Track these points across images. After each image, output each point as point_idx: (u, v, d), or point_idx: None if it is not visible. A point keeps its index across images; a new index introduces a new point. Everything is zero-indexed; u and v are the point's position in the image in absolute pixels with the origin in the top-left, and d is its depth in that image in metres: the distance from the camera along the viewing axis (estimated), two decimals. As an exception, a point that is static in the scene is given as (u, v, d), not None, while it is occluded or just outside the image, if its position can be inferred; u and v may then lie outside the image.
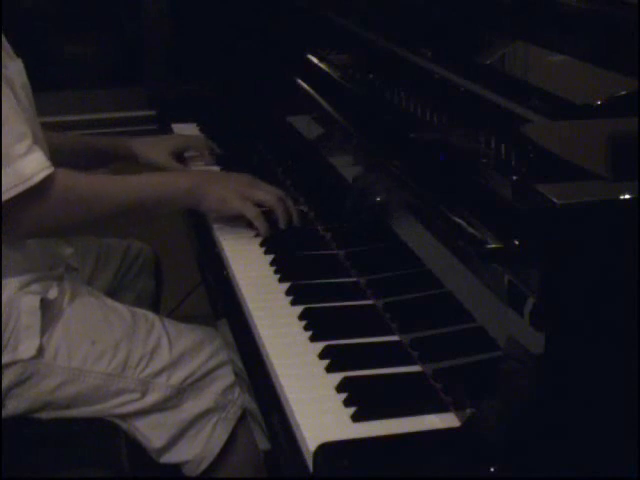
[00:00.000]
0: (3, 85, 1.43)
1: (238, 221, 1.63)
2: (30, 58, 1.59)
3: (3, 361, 1.49)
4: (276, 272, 1.45)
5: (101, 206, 1.53)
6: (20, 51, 1.61)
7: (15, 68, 1.54)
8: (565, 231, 0.85)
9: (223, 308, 1.46)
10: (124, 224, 1.87)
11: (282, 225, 1.59)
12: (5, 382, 1.50)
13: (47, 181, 1.43)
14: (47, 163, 1.43)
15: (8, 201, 1.40)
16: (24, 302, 1.51)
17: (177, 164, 1.90)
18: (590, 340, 0.88)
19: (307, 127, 1.77)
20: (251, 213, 1.58)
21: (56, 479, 1.49)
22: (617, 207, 0.86)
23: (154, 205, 1.58)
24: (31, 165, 1.41)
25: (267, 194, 1.60)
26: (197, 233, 1.72)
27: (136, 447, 1.57)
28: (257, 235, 1.59)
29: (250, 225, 1.60)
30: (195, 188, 1.58)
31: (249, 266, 1.49)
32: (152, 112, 2.45)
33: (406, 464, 0.96)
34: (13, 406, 1.53)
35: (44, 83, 1.66)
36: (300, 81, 1.72)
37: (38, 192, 1.43)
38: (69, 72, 2.89)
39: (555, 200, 0.84)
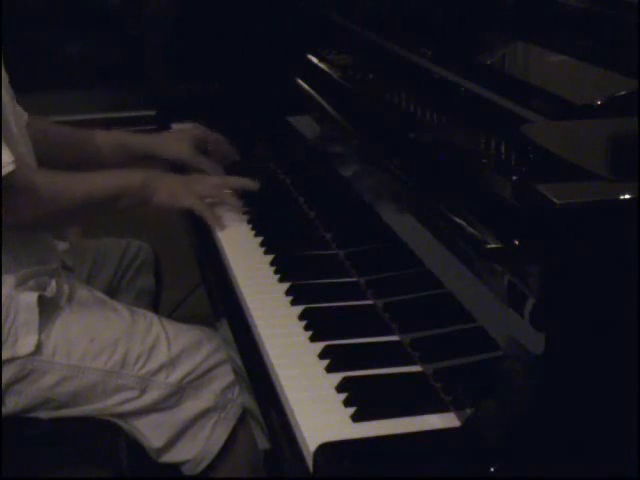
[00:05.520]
0: None
1: (238, 220, 1.63)
2: (30, 58, 1.59)
3: (2, 357, 1.50)
4: (276, 272, 1.45)
5: (63, 200, 1.58)
6: (20, 51, 1.61)
7: None
8: (565, 231, 0.85)
9: (223, 308, 1.46)
10: (112, 223, 1.92)
11: (252, 186, 1.69)
12: (4, 379, 1.51)
13: (11, 177, 1.45)
14: (11, 159, 1.46)
15: None
16: (22, 299, 1.52)
17: (203, 158, 1.90)
18: (590, 340, 0.88)
19: (307, 127, 1.77)
20: (198, 207, 1.66)
21: (56, 479, 1.49)
22: (617, 207, 0.86)
23: (110, 199, 1.63)
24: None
25: (210, 188, 1.70)
26: (197, 233, 1.72)
27: (136, 447, 1.57)
28: (257, 235, 1.60)
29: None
30: (147, 183, 1.65)
31: (249, 266, 1.49)
32: (152, 112, 2.45)
33: (406, 464, 0.96)
34: (12, 403, 1.53)
35: (44, 83, 1.66)
36: (300, 81, 1.73)
37: (9, 186, 1.45)
38: (69, 72, 2.89)
39: (555, 200, 0.84)
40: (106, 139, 1.91)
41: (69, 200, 1.58)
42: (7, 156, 1.45)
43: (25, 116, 1.76)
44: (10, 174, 1.45)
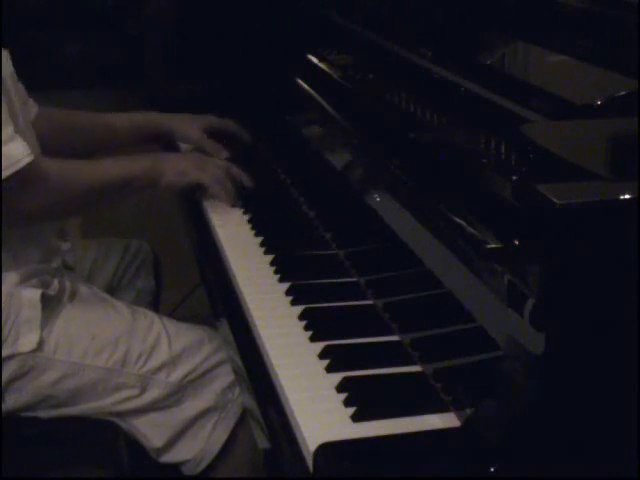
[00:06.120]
0: None
1: (238, 220, 1.63)
2: (30, 58, 1.60)
3: (4, 354, 1.50)
4: (276, 272, 1.45)
5: (79, 188, 1.59)
6: (20, 51, 1.61)
7: (2, 58, 1.57)
8: (565, 231, 0.85)
9: (223, 308, 1.46)
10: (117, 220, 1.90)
11: (247, 183, 1.72)
12: (5, 375, 1.51)
13: (30, 167, 1.46)
14: (29, 150, 1.47)
15: None
16: (25, 295, 1.53)
17: (210, 141, 1.91)
18: (590, 340, 0.88)
19: (307, 127, 1.77)
20: (208, 180, 1.69)
21: (56, 479, 1.49)
22: (617, 207, 0.86)
23: (120, 184, 1.65)
24: (16, 151, 1.45)
25: (217, 167, 1.72)
26: (197, 233, 1.72)
27: (136, 447, 1.57)
28: (257, 235, 1.60)
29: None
30: (155, 165, 1.68)
31: (249, 266, 1.49)
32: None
33: (406, 464, 0.96)
34: (13, 400, 1.53)
35: (44, 83, 1.66)
36: (300, 81, 1.73)
37: (23, 177, 1.46)
38: (69, 72, 2.89)
39: (555, 200, 0.84)
40: (122, 120, 1.94)
41: (81, 187, 1.59)
42: (24, 148, 1.46)
43: (35, 108, 1.77)
44: (30, 163, 1.46)
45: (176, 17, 2.65)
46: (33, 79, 1.62)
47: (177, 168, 1.69)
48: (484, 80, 1.24)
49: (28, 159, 1.45)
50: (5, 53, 1.59)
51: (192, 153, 1.83)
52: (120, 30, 2.94)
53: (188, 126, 1.94)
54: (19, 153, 1.45)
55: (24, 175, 1.45)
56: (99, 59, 2.94)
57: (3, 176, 1.43)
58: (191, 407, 1.54)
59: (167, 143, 2.00)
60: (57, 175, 1.55)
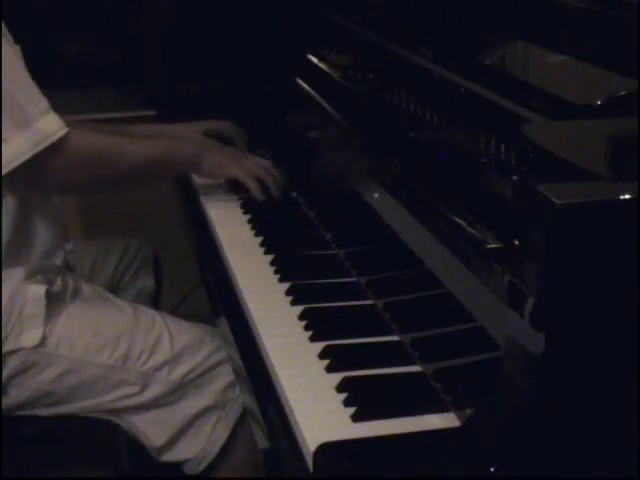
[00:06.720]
0: (13, 50, 1.53)
1: (238, 221, 1.63)
2: (30, 58, 1.60)
3: (7, 349, 1.51)
4: (276, 272, 1.45)
5: (116, 164, 1.62)
6: (20, 51, 1.62)
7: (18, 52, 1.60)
8: (565, 231, 0.85)
9: (223, 308, 1.46)
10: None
11: (275, 193, 1.71)
12: (8, 370, 1.52)
13: (65, 139, 1.51)
14: (63, 123, 1.51)
15: (34, 157, 1.47)
16: (30, 291, 1.54)
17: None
18: (590, 340, 0.88)
19: (307, 127, 1.77)
20: (244, 176, 1.71)
21: (56, 479, 1.49)
22: (617, 207, 0.86)
23: (161, 165, 1.69)
24: (51, 123, 1.50)
25: (255, 164, 1.73)
26: (197, 232, 1.72)
27: (136, 446, 1.57)
28: (257, 235, 1.60)
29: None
30: (197, 151, 1.71)
31: (249, 266, 1.49)
32: (152, 112, 2.45)
33: (406, 464, 0.96)
34: (14, 395, 1.54)
35: (44, 83, 1.66)
36: (300, 81, 1.73)
37: (59, 149, 1.50)
38: (69, 72, 2.88)
39: (555, 200, 0.84)
40: (131, 132, 1.95)
41: (123, 161, 1.62)
42: (56, 122, 1.50)
43: None
44: (65, 135, 1.50)
45: (176, 17, 2.65)
46: (33, 79, 1.62)
47: (217, 160, 1.72)
48: (484, 80, 1.24)
49: (61, 133, 1.49)
50: (18, 49, 1.61)
51: (230, 147, 1.84)
52: (120, 30, 2.94)
53: (192, 133, 1.93)
54: (52, 128, 1.49)
55: (57, 148, 1.49)
56: (99, 59, 2.94)
57: (40, 148, 1.47)
58: (192, 405, 1.54)
59: None
60: (91, 149, 1.58)
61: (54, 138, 1.49)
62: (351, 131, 1.45)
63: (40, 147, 1.48)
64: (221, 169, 1.73)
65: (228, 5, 2.42)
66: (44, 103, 1.50)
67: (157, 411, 1.55)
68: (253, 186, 1.70)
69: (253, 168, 1.72)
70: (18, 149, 1.46)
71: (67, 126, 1.51)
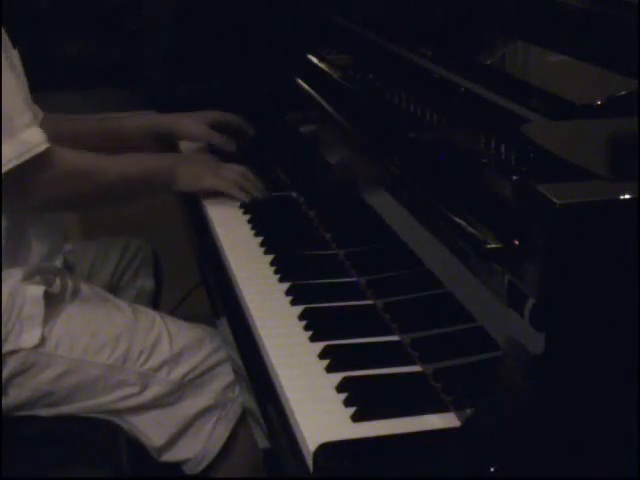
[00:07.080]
0: (4, 59, 1.50)
1: (238, 220, 1.63)
2: (30, 58, 1.61)
3: (6, 349, 1.51)
4: (276, 272, 1.45)
5: (95, 180, 1.61)
6: (20, 51, 1.62)
7: (14, 57, 1.59)
8: (565, 231, 0.85)
9: (223, 308, 1.46)
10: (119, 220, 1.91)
11: (259, 196, 1.72)
12: (7, 370, 1.52)
13: (48, 154, 1.50)
14: (45, 137, 1.50)
15: (16, 169, 1.46)
16: (28, 292, 1.54)
17: (218, 134, 1.92)
18: (590, 340, 0.88)
19: (307, 127, 1.77)
20: (224, 186, 1.70)
21: (56, 479, 1.49)
22: (617, 207, 0.86)
23: (139, 181, 1.68)
24: (35, 136, 1.49)
25: (234, 172, 1.73)
26: (197, 232, 1.72)
27: (136, 446, 1.57)
28: (257, 235, 1.60)
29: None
30: (173, 166, 1.70)
31: (249, 266, 1.49)
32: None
33: (406, 464, 0.96)
34: (14, 395, 1.54)
35: (44, 83, 1.66)
36: (300, 81, 1.73)
37: (41, 164, 1.50)
38: (69, 72, 2.88)
39: (555, 200, 0.84)
40: (128, 123, 1.96)
41: (99, 179, 1.61)
42: (41, 135, 1.49)
43: (40, 115, 1.77)
44: (47, 150, 1.49)
45: (176, 17, 2.65)
46: (33, 79, 1.62)
47: (193, 172, 1.71)
48: (484, 80, 1.24)
49: (44, 146, 1.48)
50: (16, 53, 1.61)
51: (208, 156, 1.83)
52: (120, 30, 2.94)
53: (194, 123, 1.94)
54: (36, 140, 1.48)
55: (40, 161, 1.48)
56: (99, 59, 2.94)
57: (25, 158, 1.46)
58: (191, 405, 1.54)
59: (167, 143, 2.00)
60: (73, 165, 1.57)
61: (39, 150, 1.48)
62: (351, 131, 1.45)
63: (25, 157, 1.47)
64: (197, 182, 1.71)
65: (228, 5, 2.42)
66: (29, 115, 1.50)
67: (157, 411, 1.55)
68: (234, 195, 1.70)
69: (231, 176, 1.71)
70: (5, 156, 1.45)
71: (49, 142, 1.50)
